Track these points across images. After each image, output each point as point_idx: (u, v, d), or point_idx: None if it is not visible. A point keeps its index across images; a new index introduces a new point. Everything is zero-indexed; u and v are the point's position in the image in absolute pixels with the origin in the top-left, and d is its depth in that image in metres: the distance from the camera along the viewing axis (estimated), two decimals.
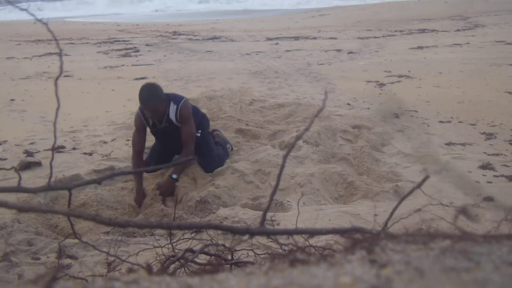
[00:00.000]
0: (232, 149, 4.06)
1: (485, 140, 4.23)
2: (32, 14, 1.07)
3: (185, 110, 3.40)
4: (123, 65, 8.30)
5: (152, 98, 3.27)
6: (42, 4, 28.15)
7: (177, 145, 3.48)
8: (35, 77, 7.29)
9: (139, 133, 3.42)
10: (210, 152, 3.62)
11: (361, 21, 15.46)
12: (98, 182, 0.96)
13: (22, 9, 1.13)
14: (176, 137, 3.43)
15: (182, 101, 3.41)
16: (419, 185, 0.86)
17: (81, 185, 1.09)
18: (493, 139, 4.24)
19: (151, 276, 0.61)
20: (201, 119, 3.70)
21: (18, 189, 0.88)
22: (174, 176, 3.29)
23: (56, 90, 0.97)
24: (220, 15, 20.41)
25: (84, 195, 3.17)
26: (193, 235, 2.01)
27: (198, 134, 3.59)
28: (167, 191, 3.26)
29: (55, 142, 1.05)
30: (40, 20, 0.96)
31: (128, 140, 4.38)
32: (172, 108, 3.39)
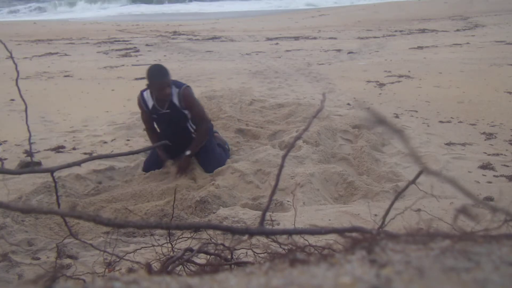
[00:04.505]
0: (229, 150, 4.06)
1: (485, 140, 4.23)
2: None
3: (188, 92, 3.43)
4: (123, 65, 8.30)
5: (162, 74, 3.32)
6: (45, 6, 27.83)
7: (180, 134, 3.50)
8: (35, 77, 7.28)
9: (144, 113, 3.52)
10: (211, 153, 3.62)
11: (361, 21, 15.45)
12: (78, 164, 0.99)
13: None
14: (178, 123, 3.48)
15: (184, 86, 3.44)
16: (413, 181, 0.86)
17: (63, 167, 1.09)
18: (493, 139, 4.24)
19: (151, 276, 0.61)
20: None
21: (1, 170, 0.88)
22: (188, 152, 3.44)
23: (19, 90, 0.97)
24: (220, 15, 20.41)
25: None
26: (192, 234, 2.01)
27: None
28: (185, 167, 3.48)
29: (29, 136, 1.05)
30: None
31: (128, 140, 4.40)
32: (174, 91, 3.40)
